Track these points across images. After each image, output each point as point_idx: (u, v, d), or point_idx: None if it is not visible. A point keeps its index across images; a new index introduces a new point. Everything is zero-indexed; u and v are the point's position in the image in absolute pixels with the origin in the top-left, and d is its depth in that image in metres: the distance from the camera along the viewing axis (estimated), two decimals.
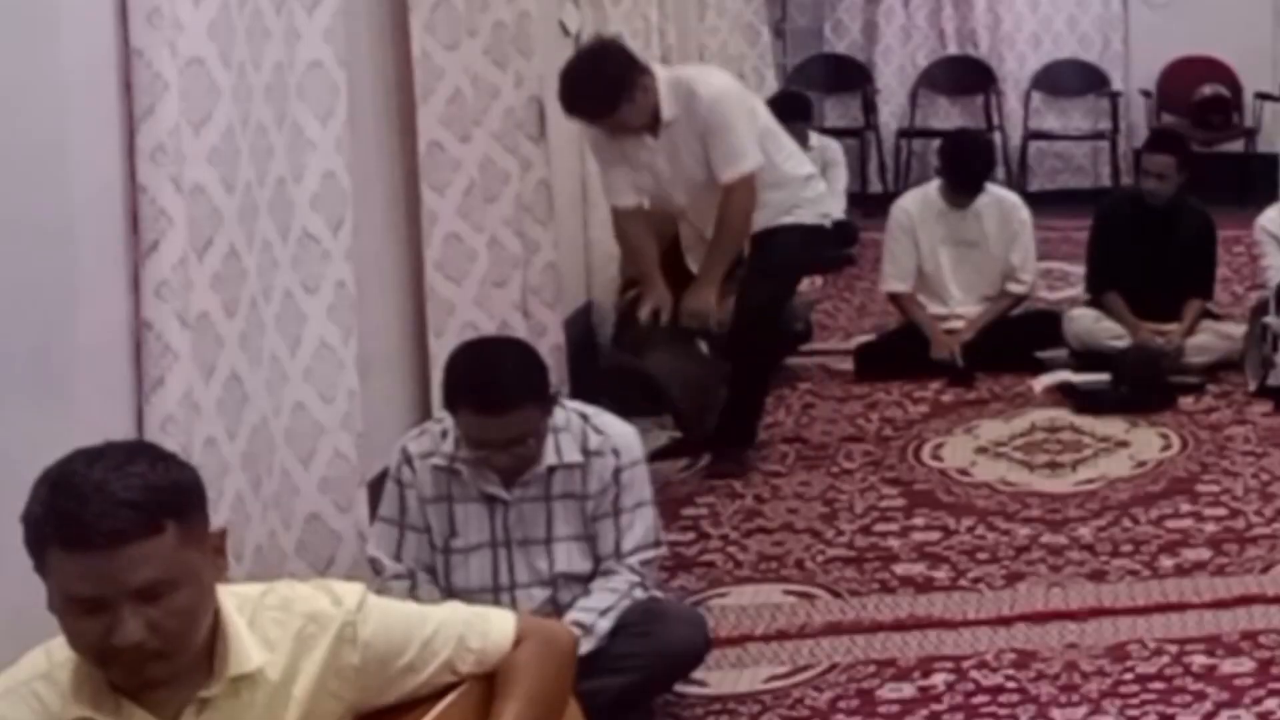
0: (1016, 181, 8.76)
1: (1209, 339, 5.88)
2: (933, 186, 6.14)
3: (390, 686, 2.19)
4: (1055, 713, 3.46)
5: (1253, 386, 5.62)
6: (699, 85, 4.72)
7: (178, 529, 1.94)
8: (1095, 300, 6.02)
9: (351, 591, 2.18)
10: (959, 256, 6.03)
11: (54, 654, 2.02)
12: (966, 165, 6.03)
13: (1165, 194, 5.86)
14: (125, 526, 1.90)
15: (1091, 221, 6.16)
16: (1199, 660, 3.68)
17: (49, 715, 1.97)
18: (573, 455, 3.31)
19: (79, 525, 1.89)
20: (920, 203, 6.10)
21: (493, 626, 2.30)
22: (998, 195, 6.16)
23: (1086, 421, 5.38)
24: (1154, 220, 5.89)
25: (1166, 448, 5.15)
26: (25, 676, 2.00)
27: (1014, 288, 6.06)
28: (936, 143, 9.14)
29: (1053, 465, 5.03)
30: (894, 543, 4.43)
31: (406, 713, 2.21)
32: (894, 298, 6.12)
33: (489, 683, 2.28)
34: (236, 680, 2.04)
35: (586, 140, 4.93)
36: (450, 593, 3.25)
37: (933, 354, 5.86)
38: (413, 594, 3.20)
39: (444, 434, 3.31)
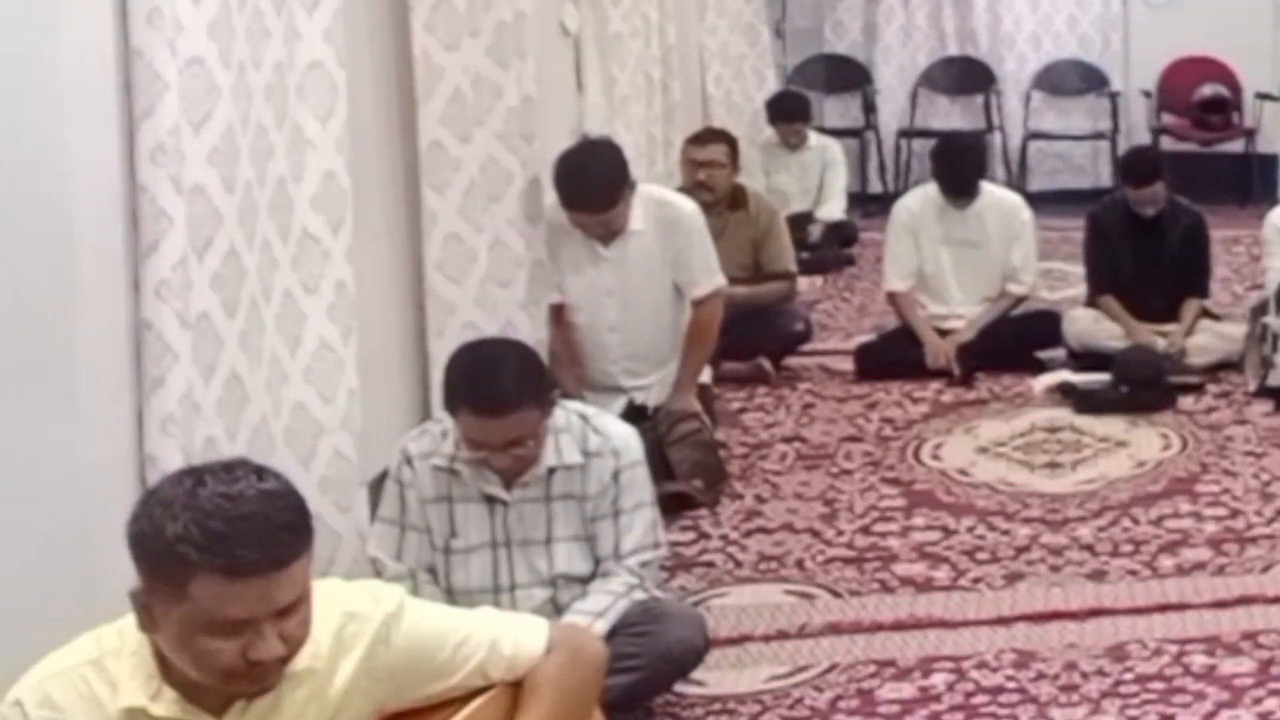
0: (1016, 181, 8.76)
1: (1209, 339, 5.88)
2: (933, 186, 6.12)
3: (421, 687, 2.21)
4: (1055, 713, 3.46)
5: (1253, 386, 5.62)
6: (680, 203, 4.92)
7: (310, 545, 1.99)
8: (1095, 303, 6.02)
9: (391, 593, 2.21)
10: (960, 257, 6.02)
11: (104, 641, 2.03)
12: (956, 169, 6.03)
13: (1157, 208, 5.90)
14: (288, 552, 1.93)
15: (1085, 228, 6.17)
16: (1199, 660, 3.68)
17: (95, 701, 1.99)
18: (572, 456, 3.31)
19: (242, 552, 1.89)
20: (921, 202, 6.10)
21: (526, 634, 2.31)
22: (999, 196, 6.16)
23: (1086, 421, 5.37)
24: (1146, 223, 5.92)
25: (1166, 448, 5.15)
26: (75, 661, 2.01)
27: (1014, 288, 6.05)
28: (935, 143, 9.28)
29: (1053, 465, 5.03)
30: (894, 543, 4.42)
31: (435, 714, 2.23)
32: (893, 298, 6.11)
33: (517, 690, 2.29)
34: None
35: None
36: (450, 593, 3.26)
37: (928, 362, 5.86)
38: (413, 595, 3.19)
39: (444, 434, 3.31)
